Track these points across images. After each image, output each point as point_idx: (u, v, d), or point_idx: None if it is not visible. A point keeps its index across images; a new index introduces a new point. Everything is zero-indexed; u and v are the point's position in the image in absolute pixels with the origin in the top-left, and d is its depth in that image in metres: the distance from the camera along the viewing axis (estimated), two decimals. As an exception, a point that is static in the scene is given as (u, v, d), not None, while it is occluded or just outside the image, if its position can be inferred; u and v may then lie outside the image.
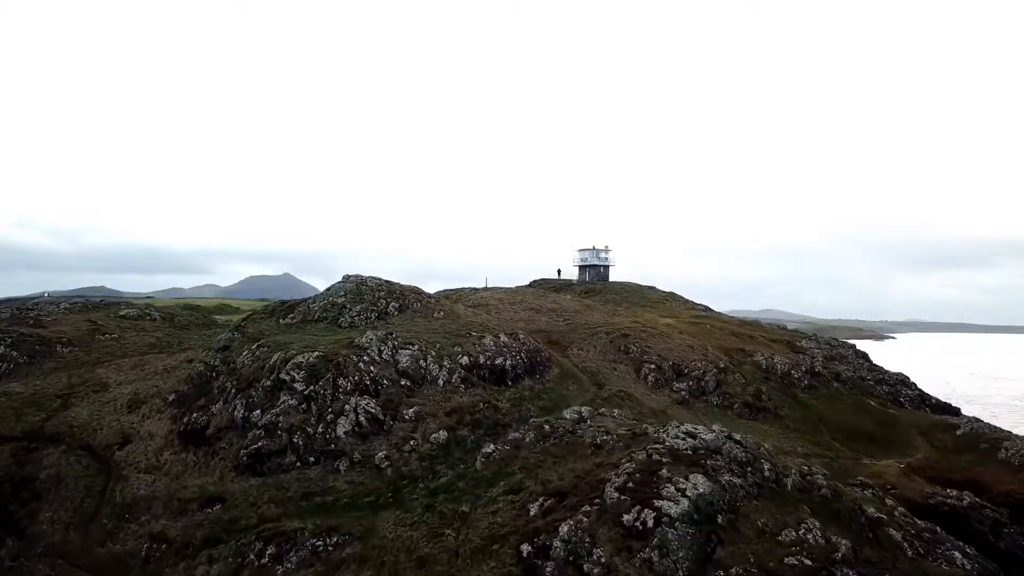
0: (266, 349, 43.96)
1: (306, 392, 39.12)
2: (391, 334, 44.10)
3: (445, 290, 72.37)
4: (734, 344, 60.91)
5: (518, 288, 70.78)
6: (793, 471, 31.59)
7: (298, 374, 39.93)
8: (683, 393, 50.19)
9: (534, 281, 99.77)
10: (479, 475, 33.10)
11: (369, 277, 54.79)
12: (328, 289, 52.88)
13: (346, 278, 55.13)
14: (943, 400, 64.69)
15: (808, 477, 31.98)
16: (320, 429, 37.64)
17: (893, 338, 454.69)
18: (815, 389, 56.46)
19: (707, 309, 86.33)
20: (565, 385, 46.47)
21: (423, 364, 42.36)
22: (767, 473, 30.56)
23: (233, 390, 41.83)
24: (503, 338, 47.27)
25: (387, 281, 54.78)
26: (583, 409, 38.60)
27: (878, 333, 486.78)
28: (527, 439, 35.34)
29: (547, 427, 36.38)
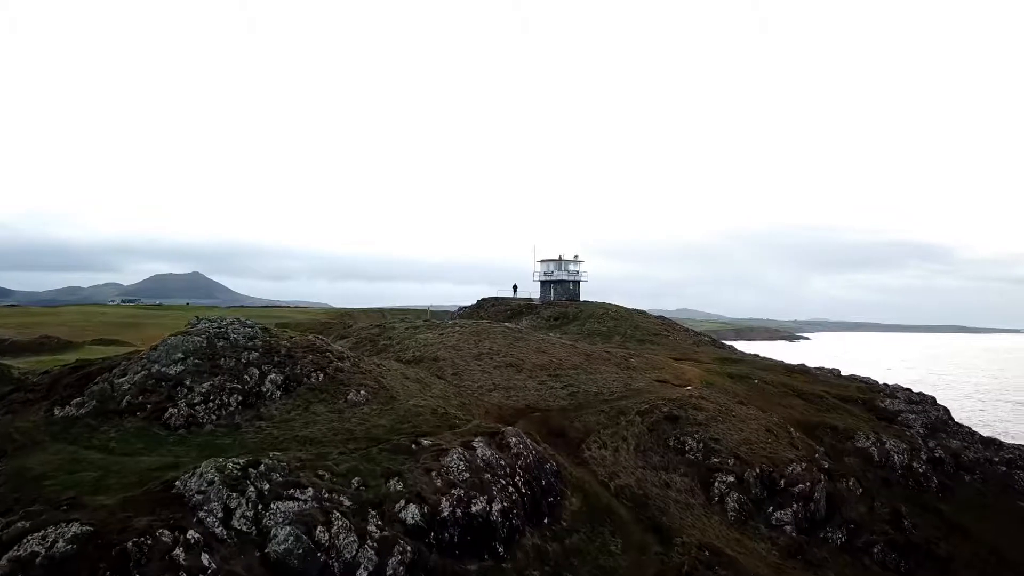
0: (-19, 501, 20.47)
1: (33, 641, 16.09)
2: (258, 463, 21.18)
3: (368, 330, 47.92)
4: (810, 414, 40.41)
5: (478, 323, 47.95)
6: None
7: (20, 590, 16.79)
8: (787, 528, 29.07)
9: (483, 300, 77.83)
10: None
11: (233, 322, 31.43)
12: (155, 348, 29.17)
13: (193, 324, 31.54)
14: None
15: None
16: None
17: (807, 338, 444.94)
18: (950, 492, 36.45)
19: (714, 341, 66.07)
20: (600, 540, 24.62)
21: (324, 538, 19.67)
22: None
23: None
24: (481, 450, 25.00)
25: (265, 329, 31.46)
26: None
27: (791, 333, 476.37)
28: None
29: None
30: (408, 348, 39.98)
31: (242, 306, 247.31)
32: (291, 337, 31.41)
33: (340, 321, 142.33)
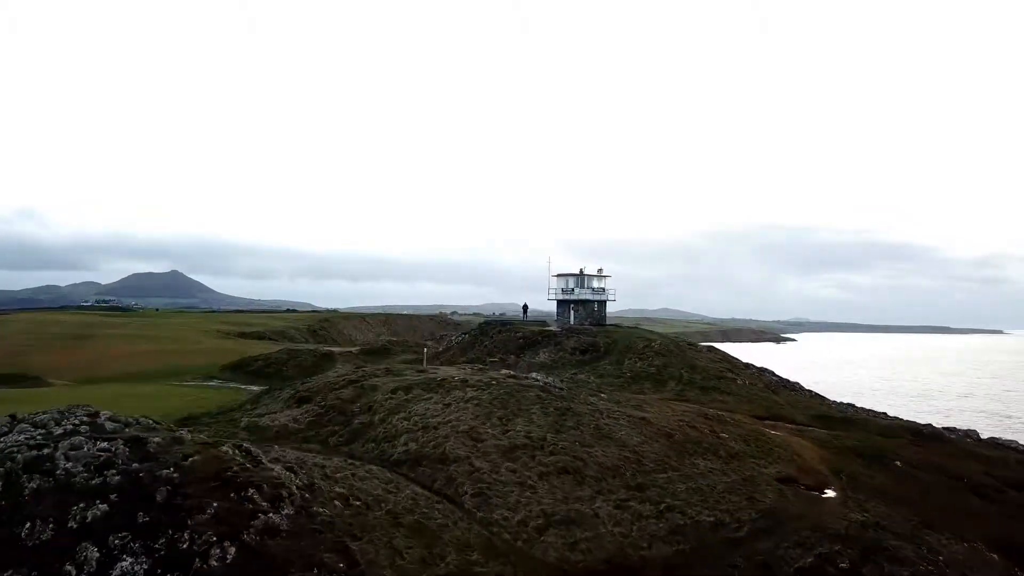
0: None
1: None
2: None
3: (340, 389, 31.59)
4: (1012, 530, 26.67)
5: (498, 379, 32.83)
6: None
7: None
8: None
9: (488, 322, 63.76)
10: None
11: (75, 430, 17.03)
12: None
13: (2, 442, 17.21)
14: None
15: None
16: None
17: (793, 339, 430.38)
18: None
19: (786, 383, 52.20)
20: None
21: None
22: None
23: None
24: None
25: (136, 442, 16.99)
26: None
27: (777, 334, 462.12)
28: None
29: None
30: (398, 433, 25.61)
31: (214, 310, 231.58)
32: (186, 457, 16.89)
33: (316, 329, 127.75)
